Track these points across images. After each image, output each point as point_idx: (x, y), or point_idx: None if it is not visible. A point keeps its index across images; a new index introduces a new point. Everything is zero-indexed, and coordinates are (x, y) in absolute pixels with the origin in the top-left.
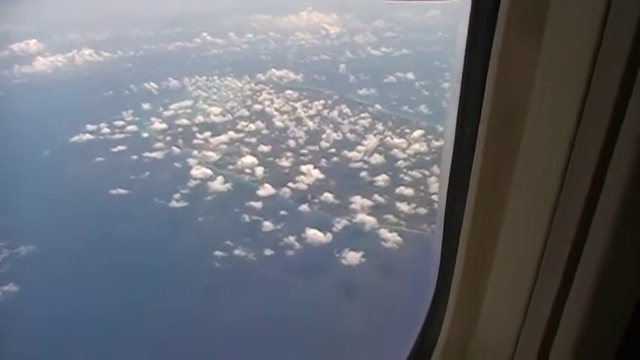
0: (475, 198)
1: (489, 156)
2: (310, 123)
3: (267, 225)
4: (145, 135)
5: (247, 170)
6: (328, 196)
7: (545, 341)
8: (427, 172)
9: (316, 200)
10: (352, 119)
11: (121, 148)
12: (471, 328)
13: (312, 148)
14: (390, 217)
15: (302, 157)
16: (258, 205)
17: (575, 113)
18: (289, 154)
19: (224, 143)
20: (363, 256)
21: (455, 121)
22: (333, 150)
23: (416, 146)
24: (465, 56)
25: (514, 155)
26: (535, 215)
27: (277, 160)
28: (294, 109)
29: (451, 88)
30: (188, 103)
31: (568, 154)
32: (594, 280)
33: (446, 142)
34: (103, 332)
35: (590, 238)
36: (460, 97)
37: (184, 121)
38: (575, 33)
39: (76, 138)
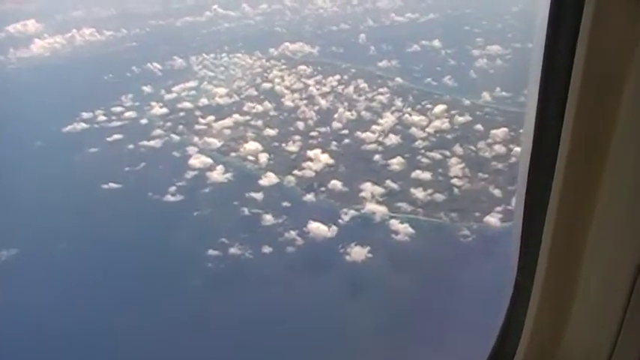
0: (560, 193)
1: (576, 149)
2: (322, 101)
3: (268, 219)
4: (144, 121)
5: (250, 157)
6: (336, 184)
7: None
8: (448, 153)
9: (323, 189)
10: (369, 95)
11: (117, 137)
12: (555, 338)
13: (323, 129)
14: (404, 205)
15: (311, 141)
16: (259, 196)
17: None
18: (297, 137)
19: (228, 128)
20: (369, 252)
21: (535, 110)
22: (345, 131)
23: (437, 123)
24: (548, 34)
25: (606, 146)
26: (632, 213)
27: (284, 144)
28: (307, 86)
29: (531, 73)
30: (193, 84)
31: None
32: None
33: (525, 137)
34: (91, 337)
35: None
36: (540, 84)
37: (187, 105)
38: None
39: (69, 127)
